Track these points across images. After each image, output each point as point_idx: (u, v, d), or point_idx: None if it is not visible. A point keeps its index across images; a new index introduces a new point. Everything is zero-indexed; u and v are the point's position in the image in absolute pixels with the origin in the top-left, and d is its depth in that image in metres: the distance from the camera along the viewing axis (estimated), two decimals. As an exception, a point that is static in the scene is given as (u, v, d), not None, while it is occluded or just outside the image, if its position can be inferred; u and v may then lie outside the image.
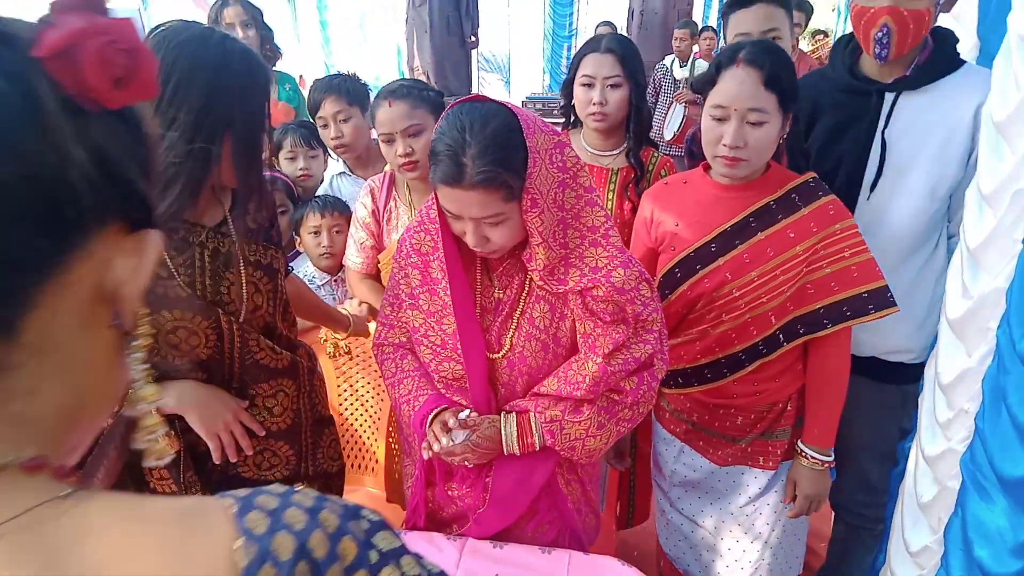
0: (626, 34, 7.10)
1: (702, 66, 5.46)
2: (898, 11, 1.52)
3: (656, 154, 2.03)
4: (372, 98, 2.08)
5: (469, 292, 1.29)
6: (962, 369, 1.25)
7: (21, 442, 0.38)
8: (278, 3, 6.48)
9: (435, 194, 1.22)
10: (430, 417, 1.31)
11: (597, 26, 6.86)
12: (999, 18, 1.57)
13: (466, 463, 1.30)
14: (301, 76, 5.74)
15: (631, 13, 7.01)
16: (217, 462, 1.32)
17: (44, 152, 0.37)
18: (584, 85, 1.93)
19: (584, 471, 1.42)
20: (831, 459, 1.57)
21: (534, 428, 1.28)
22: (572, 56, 2.16)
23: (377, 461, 2.07)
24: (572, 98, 2.00)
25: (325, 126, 2.23)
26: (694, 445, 1.71)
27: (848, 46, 1.75)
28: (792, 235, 1.47)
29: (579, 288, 1.22)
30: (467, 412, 1.28)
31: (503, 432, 1.28)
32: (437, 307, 1.30)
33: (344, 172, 2.43)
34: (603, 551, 1.40)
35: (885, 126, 1.65)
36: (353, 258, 2.02)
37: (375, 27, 8.08)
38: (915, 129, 1.62)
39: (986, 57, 1.66)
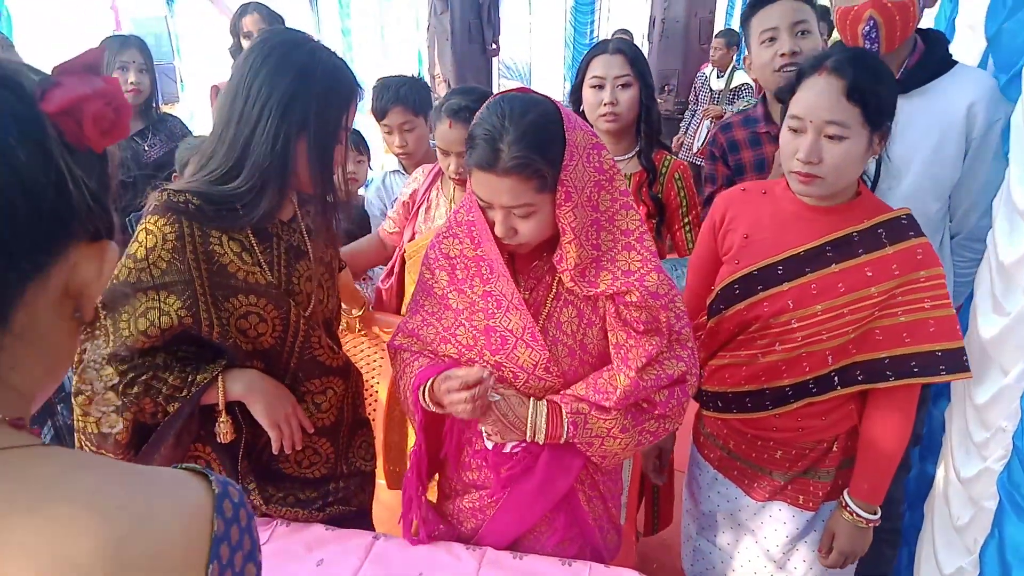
0: (647, 42, 7.07)
1: (741, 77, 5.37)
2: (881, 3, 1.50)
3: (669, 157, 2.00)
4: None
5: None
6: (999, 388, 1.21)
7: (7, 406, 0.49)
8: (303, 11, 6.53)
9: (469, 182, 1.20)
10: (428, 382, 1.25)
11: (613, 34, 6.83)
12: (1010, 23, 1.52)
13: (488, 436, 1.27)
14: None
15: (652, 21, 6.98)
16: (276, 452, 1.35)
17: (48, 183, 0.46)
18: (594, 87, 1.92)
19: (606, 487, 1.40)
20: (876, 518, 1.45)
21: (564, 419, 1.23)
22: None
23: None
24: (580, 104, 1.98)
25: (390, 133, 2.26)
26: (728, 474, 1.63)
27: None
28: (870, 273, 1.35)
29: (611, 292, 1.19)
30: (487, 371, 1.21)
31: (531, 416, 1.23)
32: (464, 304, 1.28)
33: (397, 170, 2.49)
34: (623, 564, 1.38)
35: None
36: (384, 224, 2.15)
37: (396, 34, 8.12)
38: (909, 132, 1.59)
39: (998, 64, 1.62)
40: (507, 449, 1.29)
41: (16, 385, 0.49)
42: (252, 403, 1.29)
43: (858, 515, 1.44)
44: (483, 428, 1.28)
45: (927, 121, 1.58)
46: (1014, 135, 1.32)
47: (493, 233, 1.20)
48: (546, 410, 1.23)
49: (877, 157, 1.56)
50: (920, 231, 1.37)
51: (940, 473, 1.52)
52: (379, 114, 2.25)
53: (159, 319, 1.20)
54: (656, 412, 1.25)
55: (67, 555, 0.42)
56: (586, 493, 1.36)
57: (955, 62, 1.65)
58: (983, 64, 1.72)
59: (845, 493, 1.47)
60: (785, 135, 1.37)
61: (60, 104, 0.46)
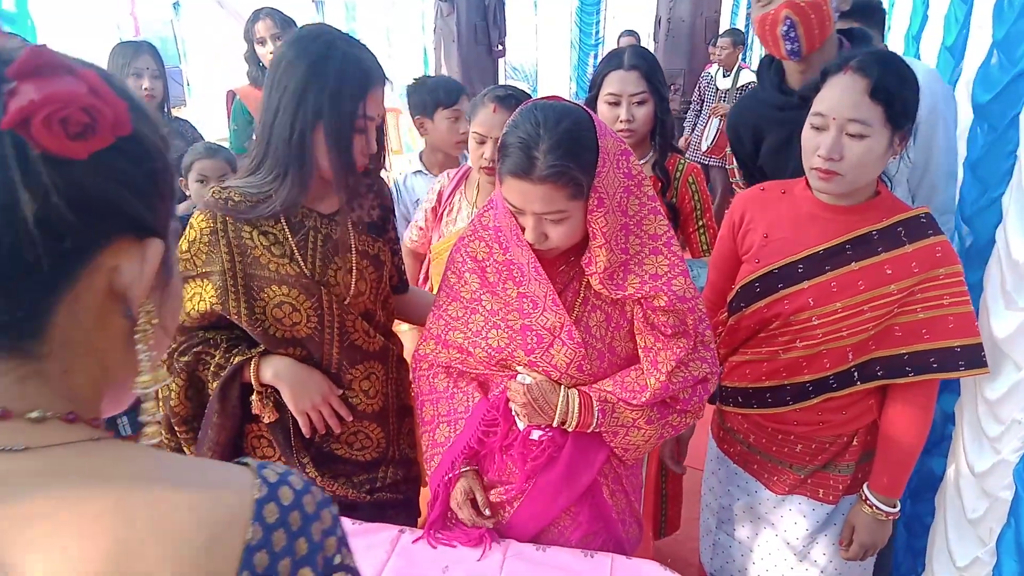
0: (653, 42, 7.08)
1: (747, 76, 5.36)
2: (794, 3, 1.58)
3: (683, 161, 2.02)
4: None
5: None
6: (1013, 382, 1.23)
7: (59, 404, 0.49)
8: (309, 14, 6.58)
9: (499, 188, 1.21)
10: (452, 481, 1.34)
11: (620, 35, 6.85)
12: (1019, 23, 1.54)
13: (517, 417, 1.30)
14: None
15: (658, 21, 7.00)
16: (307, 435, 1.41)
17: (21, 202, 0.44)
18: (610, 103, 1.91)
19: (629, 482, 1.42)
20: (896, 511, 1.47)
21: (594, 405, 1.26)
22: (597, 66, 2.17)
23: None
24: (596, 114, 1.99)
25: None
26: (749, 469, 1.65)
27: (772, 66, 1.80)
28: (889, 271, 1.36)
29: (639, 296, 1.21)
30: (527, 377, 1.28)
31: (562, 402, 1.25)
32: (499, 305, 1.30)
33: (420, 171, 2.46)
34: (641, 556, 1.40)
35: None
36: (408, 234, 2.16)
37: (401, 36, 8.16)
38: None
39: (1002, 64, 1.63)
40: (534, 436, 1.31)
41: (72, 388, 0.51)
42: (281, 389, 1.35)
43: (878, 508, 1.46)
44: (513, 408, 1.31)
45: None
46: (1023, 134, 1.35)
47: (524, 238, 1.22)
48: (578, 396, 1.26)
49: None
50: (939, 230, 1.39)
51: (951, 468, 1.54)
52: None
53: (197, 304, 1.31)
54: (679, 408, 1.29)
55: (81, 555, 0.42)
56: (610, 487, 1.39)
57: None
58: (987, 60, 1.74)
59: (865, 486, 1.49)
60: (807, 132, 1.38)
61: (11, 120, 0.44)
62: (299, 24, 3.11)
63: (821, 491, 1.56)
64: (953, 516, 1.49)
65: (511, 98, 1.82)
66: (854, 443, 1.52)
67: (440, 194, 2.08)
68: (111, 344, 0.53)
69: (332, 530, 0.53)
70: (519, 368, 1.30)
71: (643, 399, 1.24)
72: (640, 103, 1.89)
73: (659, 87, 1.91)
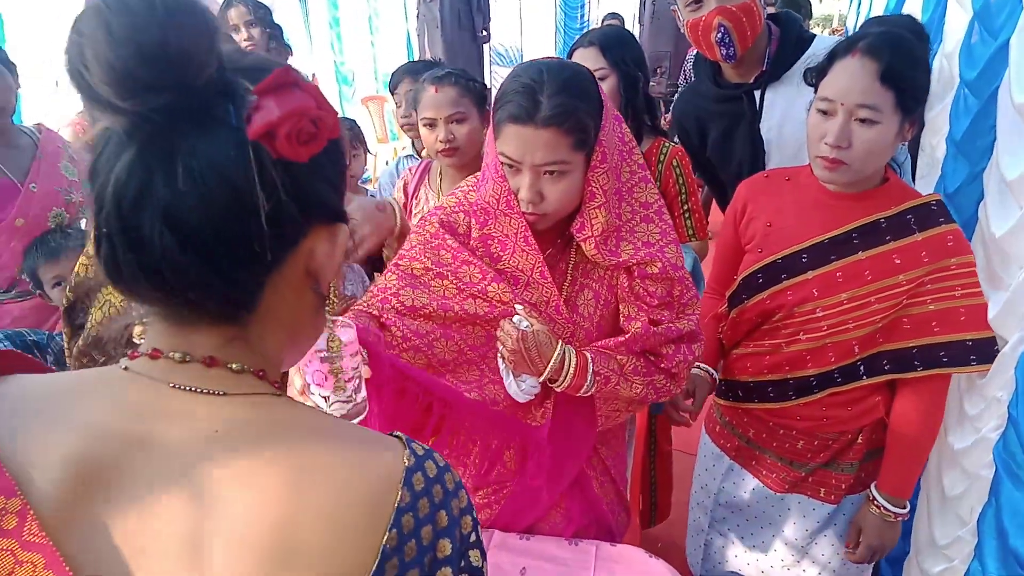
0: (638, 25, 7.03)
1: None
2: (726, 9, 1.59)
3: (667, 144, 1.96)
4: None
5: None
6: (996, 359, 1.22)
7: (255, 361, 0.58)
8: (290, 3, 6.49)
9: (492, 145, 1.14)
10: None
11: (603, 18, 6.81)
12: None
13: (503, 360, 1.19)
14: (314, 75, 5.77)
15: (643, 3, 6.94)
16: None
17: (256, 198, 0.51)
18: None
19: (615, 469, 1.41)
20: (905, 511, 1.41)
21: (588, 365, 1.17)
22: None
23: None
24: None
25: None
26: (746, 464, 1.59)
27: (706, 59, 1.81)
28: (898, 261, 1.30)
29: (633, 262, 1.18)
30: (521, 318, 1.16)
31: (558, 357, 1.15)
32: (475, 279, 1.20)
33: (411, 155, 2.41)
34: (628, 543, 1.40)
35: (759, 121, 1.72)
36: None
37: (385, 23, 8.08)
38: (791, 115, 1.63)
39: (983, 36, 1.61)
40: (521, 398, 1.21)
41: (265, 350, 0.59)
42: None
43: (886, 509, 1.41)
44: (500, 353, 1.19)
45: (804, 101, 1.54)
46: (1002, 109, 1.33)
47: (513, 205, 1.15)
48: (575, 356, 1.17)
49: (905, 145, 1.58)
50: (950, 217, 1.33)
51: (933, 449, 1.54)
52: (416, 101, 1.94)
53: (109, 310, 1.32)
54: (663, 366, 1.23)
55: (265, 494, 0.50)
56: (598, 479, 1.37)
57: (812, 36, 1.72)
58: (968, 36, 1.71)
59: (873, 487, 1.44)
60: (814, 118, 1.32)
61: (257, 132, 0.50)
62: (274, 11, 3.09)
63: (823, 490, 1.51)
64: (935, 497, 1.48)
65: (449, 75, 1.80)
66: (859, 440, 1.46)
67: (405, 190, 2.04)
68: (302, 315, 0.61)
69: (468, 510, 0.60)
70: (518, 308, 1.18)
71: (623, 339, 1.19)
72: (600, 79, 1.84)
73: (621, 63, 1.84)
